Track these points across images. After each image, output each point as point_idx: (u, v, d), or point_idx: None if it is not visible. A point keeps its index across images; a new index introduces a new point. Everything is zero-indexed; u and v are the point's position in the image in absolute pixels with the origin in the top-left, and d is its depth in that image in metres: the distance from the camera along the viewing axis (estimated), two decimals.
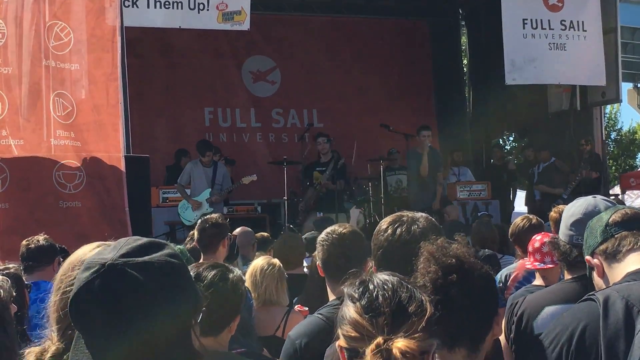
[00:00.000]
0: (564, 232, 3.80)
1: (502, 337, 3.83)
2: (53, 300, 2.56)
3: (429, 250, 2.63)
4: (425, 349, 1.99)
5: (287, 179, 14.80)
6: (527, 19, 14.08)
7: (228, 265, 3.82)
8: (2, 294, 1.77)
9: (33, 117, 10.68)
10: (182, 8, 12.15)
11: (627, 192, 18.86)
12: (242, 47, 18.72)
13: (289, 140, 18.68)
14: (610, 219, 3.07)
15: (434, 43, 20.34)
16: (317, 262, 4.22)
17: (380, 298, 2.06)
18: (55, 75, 10.78)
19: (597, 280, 3.08)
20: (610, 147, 38.31)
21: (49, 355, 2.46)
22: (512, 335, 3.85)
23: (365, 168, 15.76)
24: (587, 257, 3.13)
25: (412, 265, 2.60)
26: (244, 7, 12.36)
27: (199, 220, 6.88)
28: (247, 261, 7.37)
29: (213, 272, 3.53)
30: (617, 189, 21.29)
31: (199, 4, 12.26)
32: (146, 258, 1.90)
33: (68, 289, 2.49)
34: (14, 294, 2.66)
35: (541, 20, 14.14)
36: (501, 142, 28.09)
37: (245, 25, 12.42)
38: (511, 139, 33.61)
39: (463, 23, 21.29)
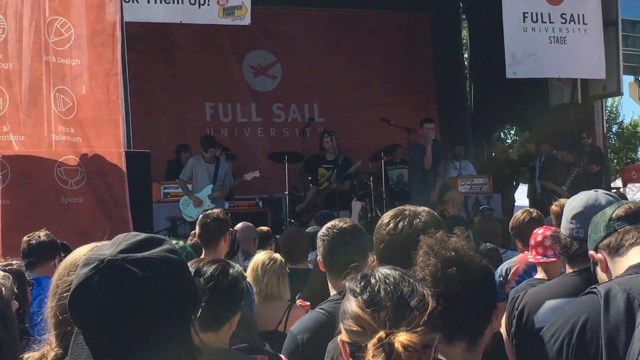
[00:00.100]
0: (565, 226, 3.80)
1: (503, 331, 3.83)
2: (50, 305, 2.54)
3: (428, 243, 2.63)
4: (427, 343, 1.99)
5: (289, 173, 14.80)
6: (527, 13, 14.06)
7: (228, 261, 3.81)
8: (3, 292, 1.77)
9: (34, 113, 10.68)
10: (182, 3, 12.12)
11: (628, 185, 18.82)
12: (242, 42, 18.70)
13: (290, 135, 18.68)
14: (614, 214, 3.08)
15: (435, 37, 20.30)
16: (318, 257, 4.22)
17: (382, 292, 2.06)
18: (55, 70, 10.78)
19: (601, 275, 3.09)
20: (611, 140, 38.30)
21: None
22: (513, 329, 3.85)
23: (367, 162, 15.75)
24: (591, 252, 3.14)
25: (413, 259, 2.61)
26: (244, 2, 12.33)
27: (201, 215, 6.88)
28: (248, 256, 7.36)
29: (213, 267, 3.52)
30: (618, 182, 21.29)
31: None
32: (145, 254, 1.90)
33: (65, 294, 2.49)
34: (16, 291, 2.65)
35: (541, 13, 14.12)
36: (502, 136, 28.04)
37: (246, 20, 12.39)
38: (512, 132, 33.61)
39: (464, 17, 21.28)
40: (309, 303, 5.73)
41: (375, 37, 19.60)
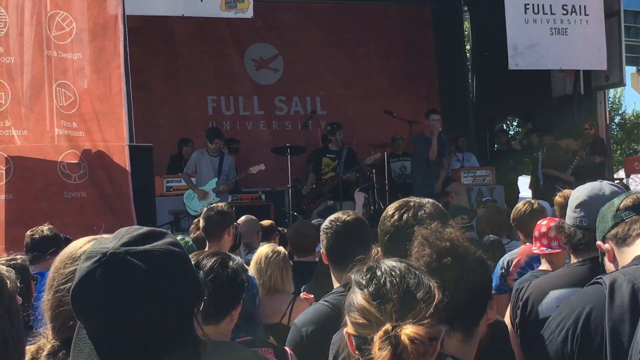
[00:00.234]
0: (569, 215, 3.80)
1: (508, 322, 3.84)
2: (46, 298, 2.55)
3: (423, 234, 2.64)
4: (434, 335, 1.99)
5: (291, 166, 14.80)
6: (528, 4, 14.04)
7: (229, 254, 3.80)
8: (9, 285, 1.77)
9: (36, 108, 10.68)
10: None
11: (631, 176, 18.80)
12: (244, 35, 18.67)
13: (292, 128, 18.67)
14: (622, 204, 3.08)
15: (437, 28, 20.26)
16: (322, 250, 4.21)
17: (388, 284, 2.06)
18: (57, 65, 10.78)
19: (608, 265, 3.09)
20: (614, 131, 38.26)
21: (45, 353, 2.45)
22: (517, 319, 3.85)
23: (369, 154, 15.74)
24: (599, 242, 3.14)
25: (408, 250, 2.61)
26: None
27: (205, 209, 6.90)
28: (252, 249, 7.36)
29: (212, 261, 3.51)
30: (621, 173, 21.27)
31: None
32: (147, 246, 1.89)
33: (61, 287, 2.49)
34: (20, 285, 2.65)
35: (542, 5, 14.09)
36: (505, 127, 28.04)
37: (249, 13, 12.34)
38: (515, 124, 33.58)
39: (465, 8, 21.24)
40: (312, 296, 5.74)
41: (377, 29, 19.57)
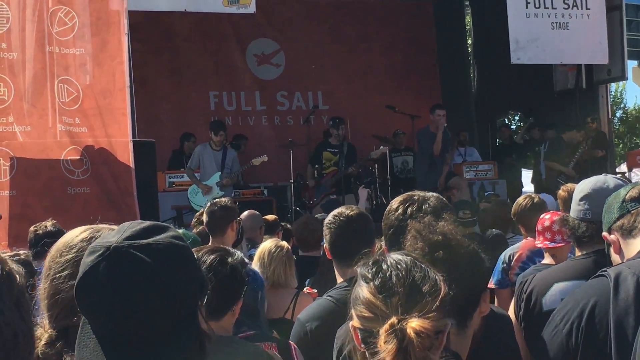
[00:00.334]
0: (573, 208, 3.82)
1: (512, 315, 3.84)
2: (43, 287, 2.54)
3: (415, 227, 2.64)
4: (439, 328, 1.99)
5: (294, 161, 14.79)
6: None
7: (229, 249, 3.78)
8: (19, 280, 1.77)
9: (39, 104, 10.69)
10: None
11: (633, 170, 18.76)
12: (246, 30, 18.64)
13: (294, 123, 18.66)
14: (627, 195, 3.08)
15: (439, 23, 20.22)
16: (325, 245, 4.21)
17: (394, 278, 2.06)
18: (59, 61, 10.78)
19: (614, 257, 3.09)
20: (616, 125, 38.24)
21: (42, 343, 2.44)
22: (521, 312, 3.86)
23: (372, 149, 15.72)
24: (604, 234, 3.14)
25: (401, 244, 2.61)
26: None
27: (208, 203, 6.90)
28: (255, 244, 7.36)
29: (212, 256, 3.51)
30: (623, 167, 21.25)
31: None
32: (150, 240, 1.89)
33: (57, 275, 2.50)
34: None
35: None
36: (507, 122, 28.00)
37: (251, 9, 12.32)
38: (517, 118, 33.55)
39: (467, 3, 21.20)
40: (316, 291, 5.74)
41: (378, 23, 19.53)
